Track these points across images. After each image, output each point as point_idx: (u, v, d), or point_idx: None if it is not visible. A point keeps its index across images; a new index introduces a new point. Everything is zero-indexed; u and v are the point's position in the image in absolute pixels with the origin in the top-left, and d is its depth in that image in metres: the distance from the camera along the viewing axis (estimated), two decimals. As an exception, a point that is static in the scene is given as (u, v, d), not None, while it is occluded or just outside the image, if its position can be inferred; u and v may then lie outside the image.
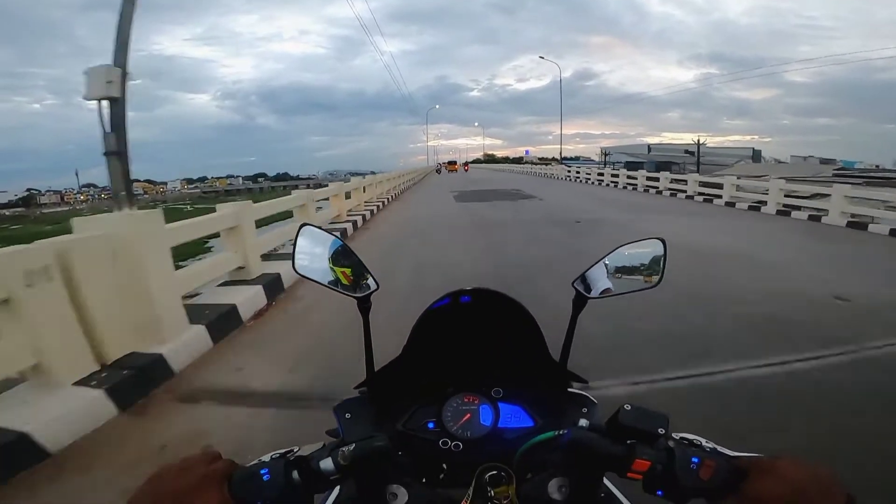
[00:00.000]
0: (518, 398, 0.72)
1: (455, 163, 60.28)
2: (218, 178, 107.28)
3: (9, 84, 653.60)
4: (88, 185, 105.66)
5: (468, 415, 0.68)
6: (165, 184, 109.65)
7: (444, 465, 0.65)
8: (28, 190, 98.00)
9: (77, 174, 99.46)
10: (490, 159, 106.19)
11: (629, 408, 0.50)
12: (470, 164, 63.24)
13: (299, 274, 0.70)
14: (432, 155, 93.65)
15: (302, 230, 0.72)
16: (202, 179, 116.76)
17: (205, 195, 64.33)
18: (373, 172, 20.05)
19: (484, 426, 0.67)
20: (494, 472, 0.56)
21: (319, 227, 0.74)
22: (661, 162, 36.75)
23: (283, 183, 76.74)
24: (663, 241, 0.73)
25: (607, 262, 0.72)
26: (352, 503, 0.61)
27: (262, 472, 0.47)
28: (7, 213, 51.28)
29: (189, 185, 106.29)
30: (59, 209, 54.91)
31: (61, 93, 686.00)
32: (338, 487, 0.63)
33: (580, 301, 0.72)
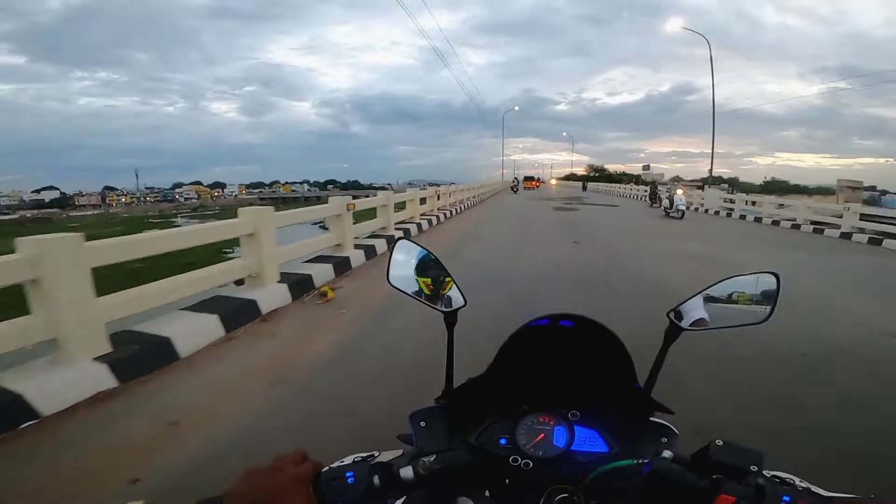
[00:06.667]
0: (595, 422, 0.71)
1: (534, 179, 55.61)
2: (283, 184, 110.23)
3: (150, 87, 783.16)
4: (161, 186, 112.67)
5: (542, 434, 0.68)
6: (223, 187, 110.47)
7: (507, 481, 0.64)
8: (105, 188, 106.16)
9: (137, 174, 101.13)
10: (598, 175, 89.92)
11: (721, 443, 0.51)
12: (586, 184, 53.39)
13: (392, 285, 0.79)
14: (514, 170, 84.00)
15: (398, 244, 0.82)
16: (270, 185, 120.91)
17: (262, 201, 64.51)
18: (453, 183, 21.49)
19: (557, 447, 0.67)
20: (566, 495, 0.57)
21: (414, 242, 0.82)
22: None
23: (353, 192, 75.52)
24: (777, 276, 0.74)
25: (708, 294, 0.75)
26: None
27: (348, 474, 0.54)
28: (29, 216, 49.03)
29: (254, 189, 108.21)
30: (88, 213, 55.28)
31: (190, 97, 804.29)
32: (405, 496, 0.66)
33: (674, 332, 0.75)
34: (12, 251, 2.65)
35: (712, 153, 24.57)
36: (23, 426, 2.31)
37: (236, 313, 3.87)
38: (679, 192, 15.93)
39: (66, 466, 2.01)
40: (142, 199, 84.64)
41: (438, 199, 14.34)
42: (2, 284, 2.55)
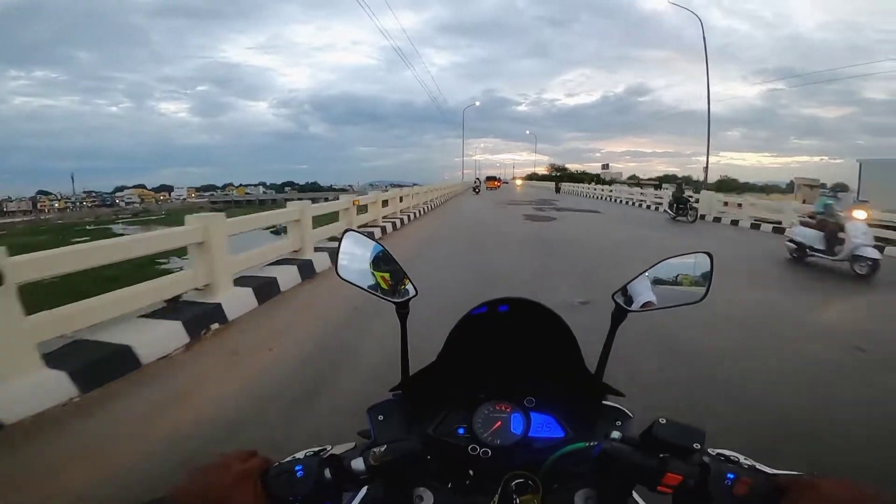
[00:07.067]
0: (550, 408, 0.75)
1: (496, 179, 56.90)
2: (237, 187, 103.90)
3: (93, 87, 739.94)
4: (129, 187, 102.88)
5: (499, 422, 0.71)
6: (171, 190, 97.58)
7: (471, 472, 0.66)
8: (38, 192, 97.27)
9: (72, 178, 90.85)
10: (561, 175, 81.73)
11: (664, 421, 0.53)
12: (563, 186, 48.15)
13: (341, 277, 0.78)
14: (476, 170, 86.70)
15: (346, 235, 0.81)
16: (223, 187, 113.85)
17: (213, 205, 60.13)
18: (415, 184, 20.70)
19: (514, 434, 0.69)
20: (521, 481, 0.58)
21: (362, 233, 0.84)
22: None
23: (313, 194, 72.26)
24: (710, 256, 0.77)
25: (650, 276, 0.77)
26: None
27: (297, 468, 0.53)
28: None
29: (205, 192, 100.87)
30: (17, 220, 49.58)
31: (136, 96, 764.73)
32: (365, 488, 0.67)
33: (620, 314, 0.77)
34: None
35: (707, 151, 21.26)
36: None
37: None
38: (859, 215, 7.11)
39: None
40: (78, 204, 77.17)
41: (365, 211, 9.71)
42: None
